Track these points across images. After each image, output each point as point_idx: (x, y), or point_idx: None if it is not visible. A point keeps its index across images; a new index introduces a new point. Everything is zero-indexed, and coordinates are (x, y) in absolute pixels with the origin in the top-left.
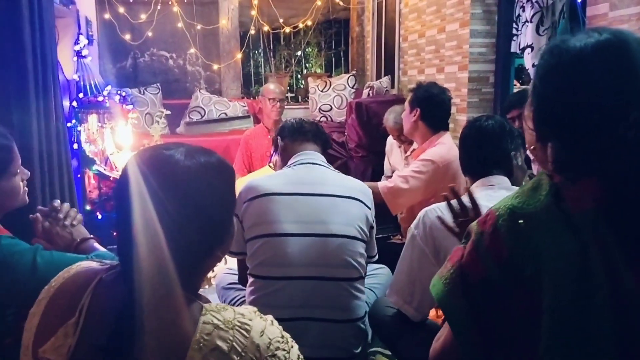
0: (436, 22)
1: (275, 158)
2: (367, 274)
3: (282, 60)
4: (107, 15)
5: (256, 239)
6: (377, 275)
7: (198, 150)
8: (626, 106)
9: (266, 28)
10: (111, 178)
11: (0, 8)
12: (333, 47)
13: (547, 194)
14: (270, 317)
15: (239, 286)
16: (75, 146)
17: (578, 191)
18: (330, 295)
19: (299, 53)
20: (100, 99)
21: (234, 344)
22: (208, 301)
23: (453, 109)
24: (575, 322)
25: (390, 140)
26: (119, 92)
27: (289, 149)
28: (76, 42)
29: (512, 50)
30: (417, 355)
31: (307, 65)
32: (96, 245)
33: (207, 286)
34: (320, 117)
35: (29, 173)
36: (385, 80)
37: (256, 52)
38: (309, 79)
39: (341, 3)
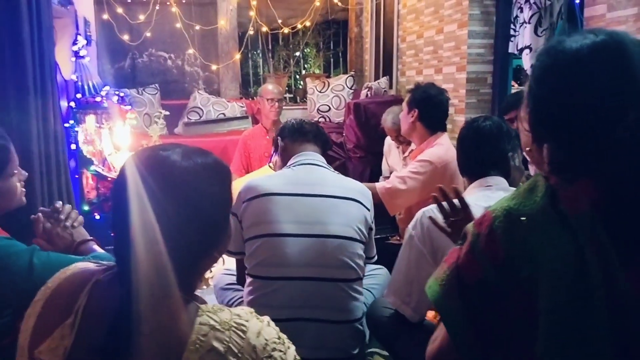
0: (434, 23)
1: (275, 158)
2: (365, 274)
3: (281, 61)
4: (105, 16)
5: (255, 238)
6: (375, 276)
7: (195, 151)
8: (622, 107)
9: (265, 29)
10: (109, 179)
11: None
12: (331, 47)
13: (543, 196)
14: (266, 318)
15: (237, 287)
16: (73, 147)
17: (574, 193)
18: (328, 296)
19: (297, 54)
20: (98, 99)
21: (231, 345)
22: (204, 302)
23: (451, 110)
24: (571, 323)
25: (388, 140)
26: (117, 92)
27: (289, 150)
28: (74, 43)
29: (510, 51)
30: (414, 356)
31: (305, 65)
32: (96, 247)
33: (204, 287)
34: (319, 118)
35: (27, 174)
36: (383, 81)
37: (255, 52)
38: (308, 80)
39: (339, 4)
